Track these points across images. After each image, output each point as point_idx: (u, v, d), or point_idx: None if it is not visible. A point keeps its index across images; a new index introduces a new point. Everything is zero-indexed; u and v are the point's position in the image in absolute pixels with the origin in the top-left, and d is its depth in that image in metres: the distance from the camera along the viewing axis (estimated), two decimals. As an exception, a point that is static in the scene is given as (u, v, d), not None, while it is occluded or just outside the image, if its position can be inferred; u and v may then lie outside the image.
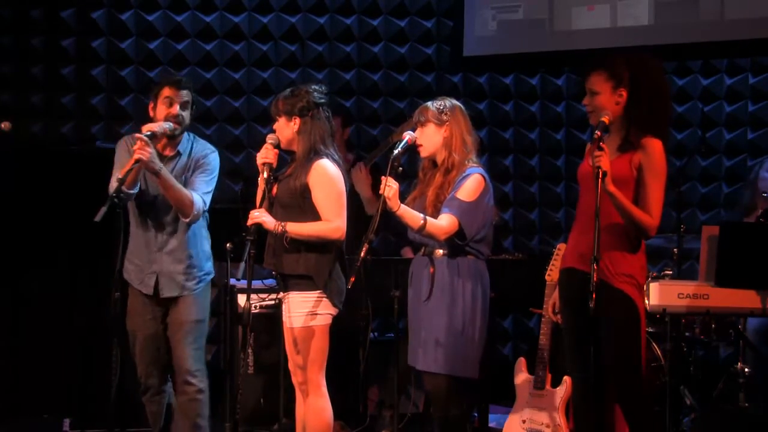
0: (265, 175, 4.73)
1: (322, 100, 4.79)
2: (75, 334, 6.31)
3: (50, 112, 7.15)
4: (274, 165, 4.77)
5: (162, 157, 5.06)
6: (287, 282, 4.78)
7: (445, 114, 4.80)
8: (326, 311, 4.72)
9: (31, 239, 6.29)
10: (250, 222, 4.66)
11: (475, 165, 4.82)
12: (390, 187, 4.55)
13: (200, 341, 5.23)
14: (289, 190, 4.74)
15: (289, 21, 7.48)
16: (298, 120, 4.75)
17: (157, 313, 5.16)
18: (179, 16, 7.32)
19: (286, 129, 4.78)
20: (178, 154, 5.14)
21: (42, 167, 6.39)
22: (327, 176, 4.69)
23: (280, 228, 4.64)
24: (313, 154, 4.72)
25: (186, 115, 5.13)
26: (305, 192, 4.70)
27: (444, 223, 4.69)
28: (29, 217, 6.30)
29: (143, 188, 5.09)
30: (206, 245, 5.25)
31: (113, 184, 4.89)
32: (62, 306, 6.32)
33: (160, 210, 5.10)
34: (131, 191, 4.96)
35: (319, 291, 4.69)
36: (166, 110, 5.07)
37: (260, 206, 4.72)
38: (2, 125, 5.17)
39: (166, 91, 5.10)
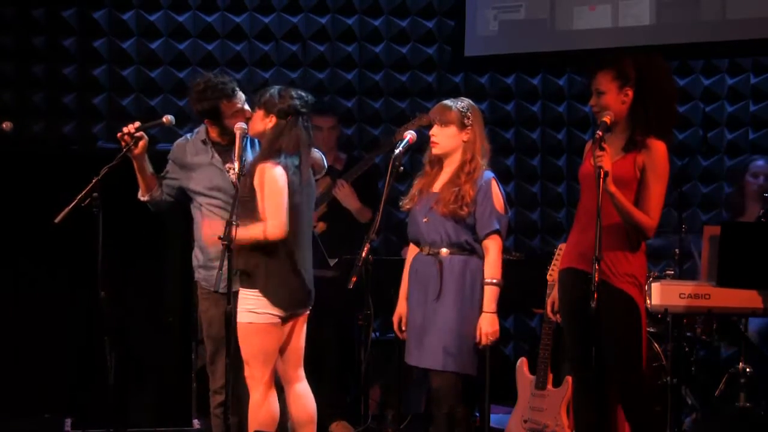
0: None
1: (304, 110, 4.80)
2: (76, 334, 6.30)
3: (51, 112, 7.14)
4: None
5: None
6: (239, 276, 4.79)
7: (468, 117, 4.79)
8: (265, 310, 4.69)
9: (31, 238, 6.28)
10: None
11: (488, 169, 4.83)
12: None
13: None
14: (243, 187, 4.71)
15: (290, 21, 7.47)
16: (274, 119, 4.79)
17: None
18: (181, 16, 7.31)
19: (260, 123, 4.82)
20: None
21: (42, 167, 6.38)
22: (268, 176, 4.66)
23: None
24: (273, 155, 4.71)
25: None
26: (252, 191, 4.70)
27: (495, 253, 4.73)
28: (29, 215, 6.28)
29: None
30: None
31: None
32: (63, 305, 6.31)
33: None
34: (144, 198, 4.99)
35: (257, 289, 4.70)
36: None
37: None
38: (3, 125, 5.16)
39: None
